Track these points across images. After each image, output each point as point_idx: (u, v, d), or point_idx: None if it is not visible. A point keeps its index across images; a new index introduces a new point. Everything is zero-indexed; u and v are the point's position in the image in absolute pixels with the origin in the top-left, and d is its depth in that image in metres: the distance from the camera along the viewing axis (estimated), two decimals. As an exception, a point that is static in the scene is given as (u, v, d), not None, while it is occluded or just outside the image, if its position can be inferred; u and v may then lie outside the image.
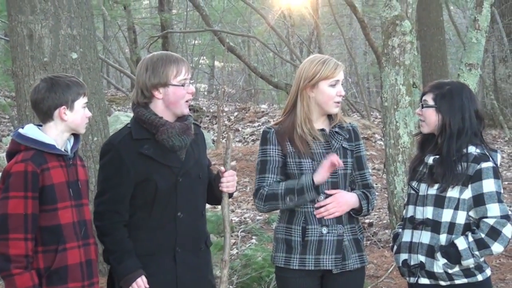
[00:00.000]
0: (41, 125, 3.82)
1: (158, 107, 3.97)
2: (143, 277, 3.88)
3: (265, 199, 4.19)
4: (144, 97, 3.96)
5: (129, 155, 3.90)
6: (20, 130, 3.78)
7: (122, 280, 3.88)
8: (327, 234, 4.16)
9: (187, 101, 3.99)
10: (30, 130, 3.76)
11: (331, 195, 4.17)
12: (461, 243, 3.91)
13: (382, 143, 12.50)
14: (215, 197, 4.14)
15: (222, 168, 4.06)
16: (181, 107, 3.97)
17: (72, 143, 3.86)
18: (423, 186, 4.06)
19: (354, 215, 4.23)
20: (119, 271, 3.88)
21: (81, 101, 3.80)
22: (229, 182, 4.04)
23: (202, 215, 4.09)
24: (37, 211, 3.65)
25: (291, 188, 4.12)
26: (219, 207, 4.29)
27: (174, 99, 3.94)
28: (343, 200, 4.16)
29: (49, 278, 3.68)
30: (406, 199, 4.22)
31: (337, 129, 4.25)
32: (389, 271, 7.12)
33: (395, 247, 4.18)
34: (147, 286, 3.88)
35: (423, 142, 4.20)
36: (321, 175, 4.09)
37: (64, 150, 3.81)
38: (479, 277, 4.01)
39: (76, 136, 3.89)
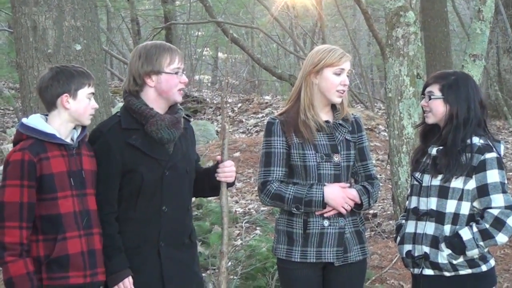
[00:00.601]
0: (47, 115, 3.84)
1: (150, 95, 3.94)
2: (130, 278, 3.87)
3: (271, 197, 4.20)
4: (136, 85, 3.94)
5: (117, 143, 3.87)
6: (24, 120, 3.82)
7: (110, 277, 3.87)
8: (329, 227, 4.16)
9: (179, 90, 3.96)
10: (33, 120, 3.79)
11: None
12: (466, 234, 3.91)
13: (386, 134, 12.49)
14: (204, 190, 4.13)
15: (219, 157, 4.05)
16: (174, 95, 3.95)
17: (79, 132, 3.87)
18: (426, 177, 4.06)
19: (355, 210, 4.23)
20: (108, 267, 3.87)
21: (85, 91, 3.81)
22: (226, 172, 4.02)
23: (187, 209, 4.07)
24: (33, 200, 3.68)
25: (299, 197, 4.13)
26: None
27: (166, 87, 3.92)
28: (350, 197, 4.17)
29: (49, 266, 3.70)
30: (409, 190, 4.22)
31: (341, 121, 4.25)
32: (393, 262, 7.13)
33: (399, 238, 4.18)
34: (132, 286, 3.88)
35: (425, 133, 4.19)
36: (333, 196, 4.12)
37: (71, 139, 3.82)
38: (484, 268, 4.02)
39: (83, 126, 3.89)
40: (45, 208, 3.71)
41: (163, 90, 3.92)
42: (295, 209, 4.15)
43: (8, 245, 3.64)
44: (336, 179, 4.18)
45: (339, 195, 4.12)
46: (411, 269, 4.11)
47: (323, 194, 4.11)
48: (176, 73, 3.93)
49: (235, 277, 6.39)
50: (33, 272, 3.66)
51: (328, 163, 4.17)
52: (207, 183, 4.11)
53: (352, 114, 4.35)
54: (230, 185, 4.10)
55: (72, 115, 3.81)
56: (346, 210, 4.15)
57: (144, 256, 3.93)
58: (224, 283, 4.07)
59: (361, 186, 4.25)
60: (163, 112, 3.96)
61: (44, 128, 3.76)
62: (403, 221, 4.22)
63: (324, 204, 4.12)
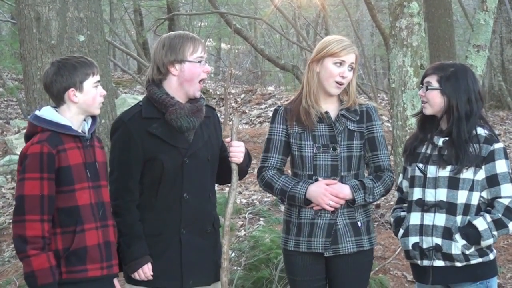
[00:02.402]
0: (56, 107, 3.84)
1: (172, 84, 3.99)
2: (149, 265, 3.92)
3: (264, 185, 4.29)
4: (160, 74, 4.00)
5: (138, 132, 3.93)
6: (37, 112, 3.80)
7: (128, 265, 3.92)
8: (319, 218, 4.17)
9: (201, 81, 4.00)
10: (46, 112, 3.78)
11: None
12: (481, 224, 3.93)
13: (389, 124, 12.48)
14: (226, 176, 4.14)
15: (228, 139, 4.08)
16: (195, 86, 3.99)
17: (89, 124, 3.88)
18: (432, 168, 4.05)
19: (350, 205, 4.19)
20: (127, 255, 3.92)
21: (90, 81, 3.79)
22: (232, 151, 4.05)
23: (209, 197, 4.09)
24: (53, 193, 3.67)
25: (284, 190, 4.18)
26: (226, 189, 4.31)
27: (189, 76, 3.97)
28: (334, 194, 4.14)
29: (68, 259, 3.70)
30: (408, 182, 4.19)
31: (343, 112, 4.22)
32: (396, 253, 7.14)
33: (402, 231, 4.15)
34: (151, 273, 3.92)
35: (423, 122, 4.19)
36: (315, 194, 4.12)
37: (82, 131, 3.83)
38: (491, 256, 4.05)
39: (93, 117, 3.90)
40: (63, 200, 3.71)
41: (185, 78, 3.98)
42: (280, 200, 4.26)
43: (30, 238, 3.62)
44: (334, 170, 4.17)
45: (321, 193, 4.11)
46: (419, 261, 4.08)
47: (305, 192, 4.12)
48: (199, 62, 3.98)
49: (238, 268, 6.40)
50: (55, 266, 3.65)
51: (325, 154, 4.17)
52: (225, 168, 4.14)
53: (366, 104, 4.29)
54: (243, 172, 4.15)
55: (81, 108, 3.80)
56: (332, 207, 4.13)
57: (166, 243, 3.98)
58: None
59: (358, 182, 4.18)
60: (184, 101, 4.00)
61: (60, 120, 3.75)
62: (402, 214, 4.21)
63: (306, 201, 4.14)
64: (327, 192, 4.11)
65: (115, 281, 3.96)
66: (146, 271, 3.92)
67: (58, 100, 3.80)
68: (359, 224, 4.22)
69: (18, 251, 3.66)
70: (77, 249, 3.70)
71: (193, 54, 3.97)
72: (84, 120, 3.86)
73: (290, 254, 4.27)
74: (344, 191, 4.15)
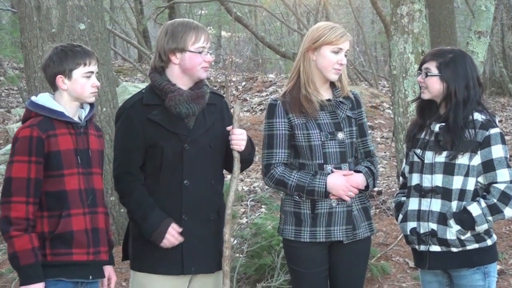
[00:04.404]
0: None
1: (174, 72, 4.00)
2: (173, 225, 3.92)
3: (275, 182, 4.21)
4: (161, 61, 4.00)
5: (138, 119, 3.95)
6: (33, 98, 3.87)
7: (153, 236, 3.92)
8: (337, 206, 4.17)
9: (204, 67, 4.00)
10: (42, 98, 3.84)
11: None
12: (475, 209, 3.93)
13: (390, 111, 12.48)
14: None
15: (229, 127, 4.05)
16: (198, 73, 3.99)
17: (87, 112, 3.90)
18: (429, 154, 4.06)
19: (361, 191, 4.22)
20: (147, 228, 3.93)
21: (80, 70, 3.81)
22: (233, 139, 4.01)
23: (212, 184, 4.08)
24: (40, 176, 3.71)
25: (301, 186, 4.13)
26: (228, 176, 4.30)
27: (190, 65, 3.97)
28: (354, 184, 4.17)
29: (53, 241, 3.73)
30: (408, 167, 4.21)
31: (341, 99, 4.25)
32: (398, 239, 7.15)
33: (401, 216, 4.17)
34: (179, 229, 3.92)
35: (422, 108, 4.19)
36: (336, 186, 4.11)
37: (78, 118, 3.85)
38: (489, 242, 4.04)
39: (91, 104, 3.92)
40: (51, 184, 3.74)
41: (186, 67, 3.98)
42: (297, 196, 4.18)
43: (14, 220, 3.66)
44: (342, 156, 4.18)
45: (342, 184, 4.12)
46: (416, 246, 4.11)
47: (325, 184, 4.11)
48: (200, 52, 3.97)
49: (240, 255, 6.42)
50: (38, 247, 3.68)
51: (333, 141, 4.17)
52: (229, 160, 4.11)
53: (351, 91, 4.35)
54: (247, 161, 4.15)
55: (71, 95, 3.83)
56: (350, 197, 4.15)
57: None
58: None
59: (367, 168, 4.24)
60: (187, 88, 4.00)
61: (53, 106, 3.79)
62: (402, 199, 4.23)
63: (326, 194, 4.12)
64: (348, 184, 4.12)
65: (110, 268, 4.00)
66: (173, 233, 3.91)
67: (52, 85, 3.87)
68: (368, 207, 4.29)
69: (2, 232, 3.71)
70: (62, 233, 3.73)
71: (194, 44, 3.96)
72: (82, 108, 3.89)
73: (299, 246, 4.22)
74: (361, 179, 4.19)
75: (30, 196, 3.69)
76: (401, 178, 4.37)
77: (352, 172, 4.18)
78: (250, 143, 4.11)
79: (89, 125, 3.91)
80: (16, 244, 3.66)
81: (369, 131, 4.41)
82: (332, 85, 4.28)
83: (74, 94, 3.82)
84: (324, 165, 4.17)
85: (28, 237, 3.66)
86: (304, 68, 4.22)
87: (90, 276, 3.85)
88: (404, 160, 4.32)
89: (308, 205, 4.18)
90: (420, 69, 4.15)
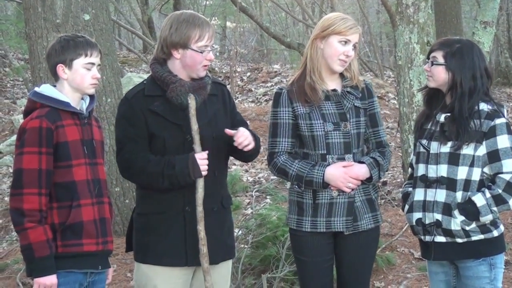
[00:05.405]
0: (55, 86, 3.88)
1: (176, 65, 3.99)
2: (196, 154, 3.86)
3: (277, 171, 4.23)
4: (163, 53, 3.99)
5: (140, 110, 3.94)
6: (36, 89, 3.85)
7: (190, 173, 3.85)
8: (338, 197, 4.17)
9: (204, 66, 3.98)
10: (46, 88, 3.83)
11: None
12: (479, 200, 3.91)
13: (395, 102, 12.46)
14: (243, 154, 4.09)
15: (227, 131, 3.99)
16: (197, 71, 3.98)
17: (87, 103, 3.90)
18: (434, 144, 4.04)
19: (365, 182, 4.21)
20: (181, 174, 3.86)
21: (81, 61, 3.81)
22: (242, 144, 3.96)
23: (215, 175, 4.05)
24: (51, 167, 3.71)
25: (300, 175, 4.14)
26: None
27: (191, 62, 3.95)
28: (353, 176, 4.14)
29: (63, 233, 3.74)
30: (415, 158, 4.20)
31: (349, 89, 4.23)
32: (403, 230, 7.15)
33: (407, 206, 4.17)
34: (205, 154, 3.87)
35: (430, 98, 4.18)
36: (334, 177, 4.10)
37: (80, 109, 3.86)
38: (495, 233, 4.03)
39: (91, 96, 3.92)
40: (60, 175, 3.74)
41: (187, 64, 3.96)
42: (296, 186, 4.21)
43: (27, 211, 3.65)
44: (346, 147, 4.17)
45: (340, 176, 4.11)
46: (422, 237, 4.10)
47: (323, 176, 4.11)
48: (202, 52, 3.94)
49: (246, 246, 6.42)
50: (52, 239, 3.69)
51: (337, 132, 4.16)
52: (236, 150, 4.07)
53: (364, 80, 4.33)
54: (255, 151, 4.10)
55: (72, 85, 3.83)
56: (350, 188, 4.14)
57: (171, 221, 3.98)
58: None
59: (372, 159, 4.22)
60: (188, 79, 3.99)
61: (59, 97, 3.79)
62: (410, 189, 4.22)
63: (324, 184, 4.12)
64: (346, 175, 4.11)
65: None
66: (202, 156, 3.86)
67: (54, 75, 3.87)
68: (374, 199, 4.27)
69: (15, 223, 3.70)
70: (73, 223, 3.73)
71: (197, 42, 3.93)
72: (82, 99, 3.89)
73: (302, 235, 4.23)
74: (362, 171, 4.16)
75: (42, 188, 3.68)
76: (409, 169, 4.36)
77: (353, 163, 4.16)
78: (254, 137, 4.08)
79: (91, 116, 3.93)
80: (31, 236, 3.65)
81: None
82: (341, 75, 4.27)
83: (74, 84, 3.82)
84: (327, 156, 4.16)
85: (42, 229, 3.67)
86: (311, 56, 4.22)
87: (100, 266, 3.87)
88: (413, 151, 4.31)
89: (310, 195, 4.19)
90: (428, 57, 4.14)
